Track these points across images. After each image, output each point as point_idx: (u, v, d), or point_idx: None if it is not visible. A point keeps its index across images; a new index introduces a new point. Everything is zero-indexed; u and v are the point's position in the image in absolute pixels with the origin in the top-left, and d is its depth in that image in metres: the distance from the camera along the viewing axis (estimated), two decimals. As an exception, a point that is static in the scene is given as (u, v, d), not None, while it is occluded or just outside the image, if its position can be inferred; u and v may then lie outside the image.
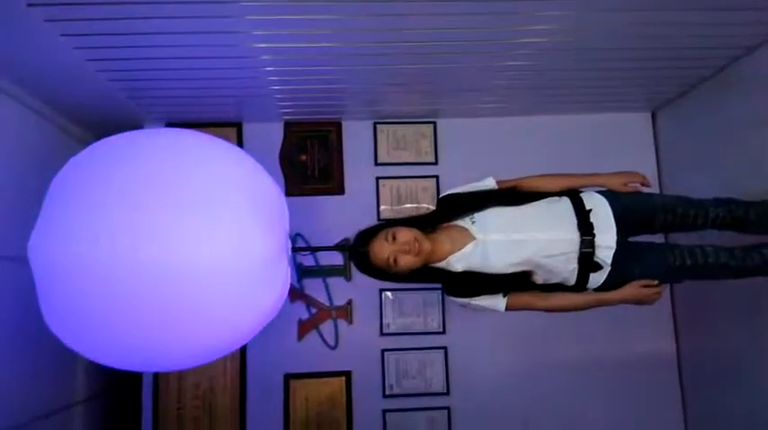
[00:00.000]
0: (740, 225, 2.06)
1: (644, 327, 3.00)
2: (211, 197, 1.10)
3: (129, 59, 2.19)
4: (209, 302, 1.08)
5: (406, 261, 1.74)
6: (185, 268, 1.04)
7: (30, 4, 1.73)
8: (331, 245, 2.71)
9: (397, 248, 1.73)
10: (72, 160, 1.17)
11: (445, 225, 1.89)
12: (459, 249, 1.82)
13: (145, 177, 1.08)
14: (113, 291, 1.02)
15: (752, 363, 2.50)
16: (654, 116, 3.19)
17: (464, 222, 1.86)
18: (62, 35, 1.94)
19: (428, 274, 1.87)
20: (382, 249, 1.74)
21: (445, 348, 2.96)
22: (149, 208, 1.04)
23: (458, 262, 1.82)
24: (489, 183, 1.99)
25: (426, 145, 3.10)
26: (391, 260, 1.73)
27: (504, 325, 2.93)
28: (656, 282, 1.88)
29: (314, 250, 2.70)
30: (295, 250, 1.47)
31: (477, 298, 1.85)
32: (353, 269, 2.92)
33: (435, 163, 3.09)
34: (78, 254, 0.99)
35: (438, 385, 2.93)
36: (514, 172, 2.09)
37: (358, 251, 1.82)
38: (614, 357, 3.00)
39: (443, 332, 2.97)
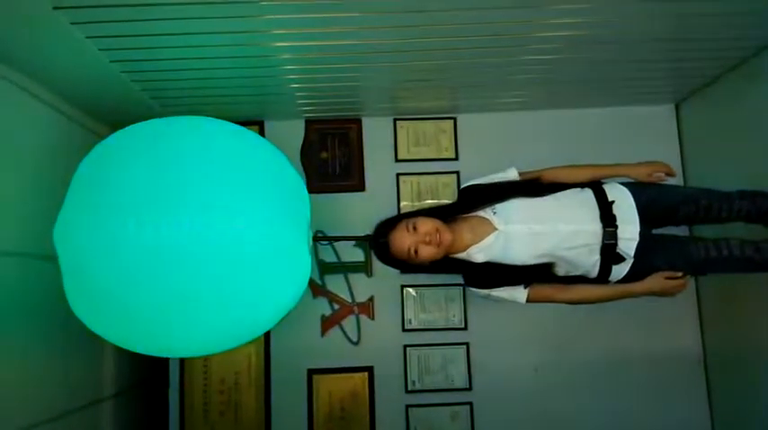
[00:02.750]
0: (765, 217, 2.03)
1: (669, 323, 2.96)
2: (236, 183, 1.11)
3: (151, 60, 2.22)
4: (232, 286, 1.10)
5: (428, 251, 1.74)
6: (210, 253, 1.05)
7: (55, 7, 1.76)
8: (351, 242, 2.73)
9: (419, 239, 1.73)
10: (98, 146, 1.20)
11: (466, 215, 1.89)
12: (481, 240, 1.82)
13: (171, 164, 1.10)
14: (137, 274, 1.03)
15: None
16: (678, 108, 3.15)
17: (485, 213, 1.86)
18: (87, 37, 1.97)
19: (449, 265, 1.87)
20: (404, 239, 1.74)
21: (467, 344, 2.95)
22: (174, 193, 1.06)
23: (478, 253, 1.82)
24: (511, 175, 1.99)
25: (446, 141, 3.10)
26: (412, 251, 1.73)
27: (526, 320, 2.92)
28: (679, 273, 1.87)
29: (335, 239, 2.71)
30: (316, 239, 1.49)
31: (497, 289, 1.85)
32: (375, 265, 2.94)
33: (456, 159, 3.08)
34: (104, 237, 1.02)
35: (460, 381, 2.93)
36: (536, 167, 2.09)
37: (379, 241, 1.82)
38: (639, 352, 2.96)
39: (465, 328, 2.96)
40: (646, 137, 3.06)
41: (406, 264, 1.83)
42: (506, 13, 2.02)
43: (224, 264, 1.08)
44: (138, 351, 1.20)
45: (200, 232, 1.06)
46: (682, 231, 2.25)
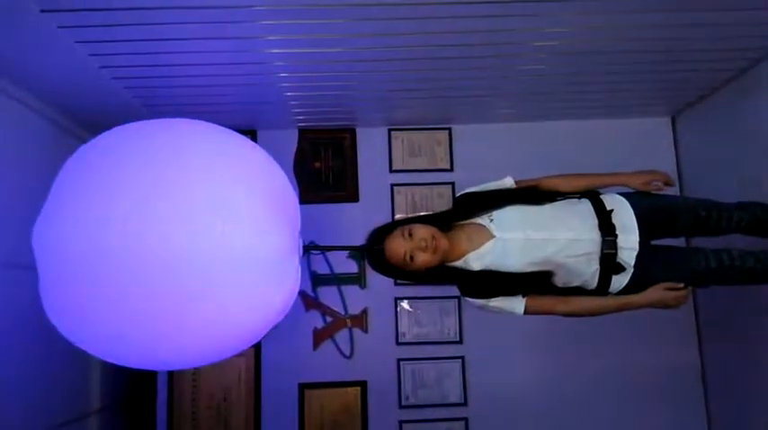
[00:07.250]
0: (764, 229, 2.00)
1: (667, 336, 2.94)
2: (224, 187, 1.07)
3: (143, 66, 2.19)
4: (218, 294, 1.05)
5: (423, 258, 1.69)
6: (196, 258, 1.01)
7: (43, 10, 1.73)
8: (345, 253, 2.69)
9: (415, 245, 1.68)
10: (82, 148, 1.15)
11: (462, 223, 1.85)
12: (478, 248, 1.77)
13: (157, 166, 1.05)
14: (120, 281, 0.98)
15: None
16: (674, 120, 3.14)
17: (482, 220, 1.81)
18: (76, 42, 1.94)
19: (444, 274, 1.82)
20: (399, 246, 1.69)
21: (462, 358, 2.90)
22: (161, 196, 1.02)
23: (475, 260, 1.77)
24: (508, 183, 1.95)
25: (441, 151, 3.07)
26: (408, 257, 1.68)
27: (522, 334, 2.89)
28: (681, 284, 1.82)
29: (327, 249, 2.66)
30: (307, 249, 1.44)
31: (494, 299, 1.79)
32: (369, 277, 2.89)
33: (451, 169, 3.06)
34: (85, 240, 0.96)
35: (455, 396, 2.88)
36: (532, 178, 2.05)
37: (374, 248, 1.78)
38: (636, 366, 2.93)
39: (460, 341, 2.92)
40: (642, 149, 3.05)
41: (401, 272, 1.78)
42: (499, 23, 2.01)
43: (211, 269, 1.04)
44: (121, 364, 1.15)
45: (187, 241, 1.01)
46: (679, 243, 2.22)
